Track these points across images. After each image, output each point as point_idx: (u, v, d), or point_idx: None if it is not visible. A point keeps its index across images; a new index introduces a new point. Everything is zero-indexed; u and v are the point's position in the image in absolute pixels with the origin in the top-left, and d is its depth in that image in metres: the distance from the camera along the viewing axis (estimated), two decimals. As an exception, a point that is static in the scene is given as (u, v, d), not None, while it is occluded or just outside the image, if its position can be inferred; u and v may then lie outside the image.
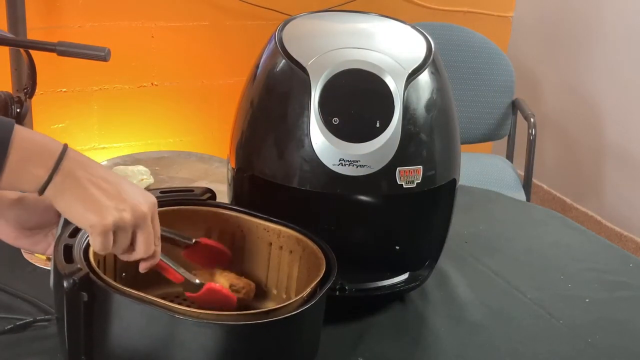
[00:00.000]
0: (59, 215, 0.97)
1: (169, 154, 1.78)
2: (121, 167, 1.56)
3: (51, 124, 2.56)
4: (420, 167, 1.01)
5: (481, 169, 2.49)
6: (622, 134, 2.91)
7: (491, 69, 2.64)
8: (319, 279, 0.92)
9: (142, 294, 0.82)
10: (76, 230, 0.90)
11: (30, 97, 1.37)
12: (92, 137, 2.65)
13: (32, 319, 1.03)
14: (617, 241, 2.87)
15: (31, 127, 2.34)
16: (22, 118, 1.33)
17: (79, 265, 0.83)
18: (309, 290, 0.89)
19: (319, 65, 0.99)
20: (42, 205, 0.95)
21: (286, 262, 1.04)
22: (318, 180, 0.99)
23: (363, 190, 1.04)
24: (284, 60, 1.02)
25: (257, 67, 1.07)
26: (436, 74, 1.04)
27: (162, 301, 0.81)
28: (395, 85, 0.99)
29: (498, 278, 1.27)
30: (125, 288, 0.82)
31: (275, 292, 1.05)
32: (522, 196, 2.40)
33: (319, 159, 0.98)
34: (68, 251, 0.86)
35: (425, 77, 1.03)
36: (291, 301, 0.87)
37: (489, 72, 2.64)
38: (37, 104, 2.43)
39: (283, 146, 1.01)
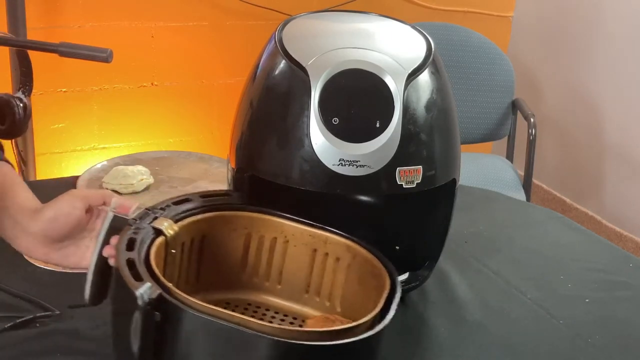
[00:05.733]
0: (85, 223, 0.94)
1: (169, 154, 1.77)
2: (121, 167, 1.55)
3: (51, 124, 2.56)
4: (420, 167, 1.01)
5: (481, 169, 2.49)
6: (622, 134, 2.91)
7: (491, 69, 2.64)
8: (386, 293, 0.90)
9: (221, 310, 0.78)
10: (132, 242, 0.87)
11: (29, 94, 1.37)
12: (92, 137, 2.65)
13: (32, 316, 1.03)
14: (617, 241, 2.87)
15: (31, 128, 2.34)
16: (28, 117, 1.32)
17: (149, 283, 0.79)
18: (380, 306, 0.88)
19: (319, 65, 0.99)
20: (63, 213, 0.92)
21: (331, 269, 1.03)
22: (318, 180, 0.99)
23: (363, 190, 1.04)
24: (284, 60, 1.02)
25: (257, 67, 1.07)
26: (436, 74, 1.04)
27: (248, 318, 0.77)
28: (395, 85, 0.99)
29: (498, 278, 1.27)
30: (202, 304, 0.78)
31: (317, 299, 1.05)
32: (522, 196, 2.40)
33: (319, 159, 0.98)
34: (132, 266, 0.82)
35: (425, 77, 1.03)
36: (366, 319, 0.85)
37: (489, 72, 2.64)
38: (37, 104, 2.43)
39: (283, 146, 1.01)
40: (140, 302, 0.76)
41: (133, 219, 0.91)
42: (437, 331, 1.11)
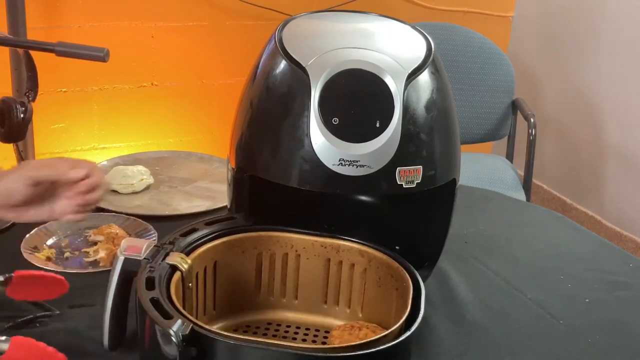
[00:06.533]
0: (44, 191, 0.95)
1: (169, 154, 1.77)
2: (121, 167, 1.55)
3: (51, 124, 2.56)
4: (420, 167, 1.01)
5: (481, 169, 2.49)
6: (622, 134, 2.91)
7: (491, 69, 2.64)
8: (410, 296, 0.91)
9: (253, 338, 0.80)
10: (151, 281, 0.87)
11: (33, 100, 1.38)
12: (92, 137, 2.65)
13: (32, 316, 1.03)
14: (617, 241, 2.86)
15: (31, 128, 2.34)
16: (27, 121, 1.33)
17: (180, 320, 0.80)
18: (408, 310, 0.89)
19: (319, 65, 0.99)
20: (14, 188, 0.94)
21: (347, 277, 1.03)
22: (318, 180, 0.99)
23: (363, 190, 1.04)
24: (283, 60, 1.02)
25: (257, 67, 1.07)
26: (436, 74, 1.04)
27: (280, 342, 0.80)
28: (395, 85, 0.99)
29: (498, 278, 1.27)
30: (232, 334, 0.80)
31: (337, 308, 1.05)
32: (522, 196, 2.40)
33: (319, 159, 0.98)
34: (157, 305, 0.82)
35: (425, 77, 1.03)
36: (401, 321, 0.86)
37: (489, 72, 2.64)
38: (37, 104, 2.41)
39: (283, 146, 1.01)
40: (175, 339, 0.77)
41: (145, 258, 0.91)
42: (437, 331, 1.11)
